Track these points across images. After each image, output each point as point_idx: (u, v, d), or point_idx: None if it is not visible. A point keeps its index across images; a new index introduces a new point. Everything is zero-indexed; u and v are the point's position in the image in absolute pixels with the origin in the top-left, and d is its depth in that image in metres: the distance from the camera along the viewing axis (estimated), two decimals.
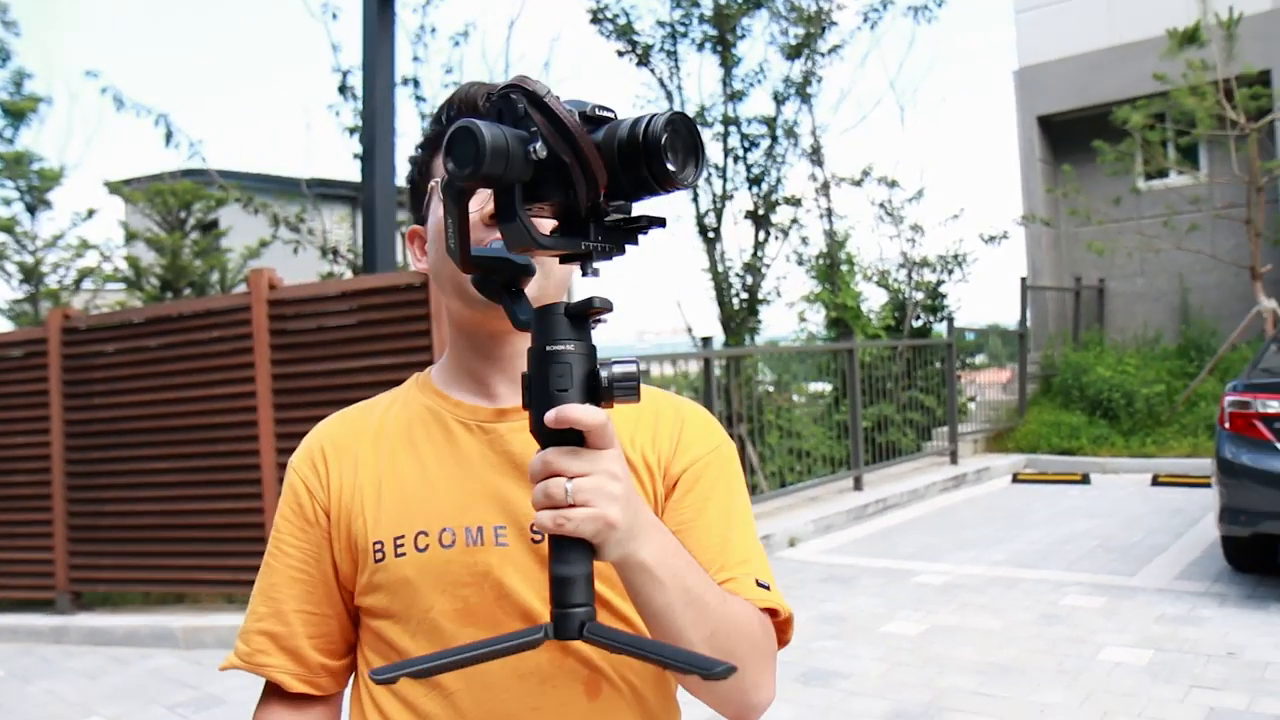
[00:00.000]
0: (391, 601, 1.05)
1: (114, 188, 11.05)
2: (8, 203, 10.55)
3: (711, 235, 11.05)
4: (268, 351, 6.07)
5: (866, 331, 12.29)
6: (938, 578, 6.40)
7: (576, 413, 0.79)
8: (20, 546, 7.02)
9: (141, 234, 10.19)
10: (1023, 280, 13.41)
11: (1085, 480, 10.05)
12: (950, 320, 11.92)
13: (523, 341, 1.01)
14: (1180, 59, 11.10)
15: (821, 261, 12.52)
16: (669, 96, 10.99)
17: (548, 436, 0.80)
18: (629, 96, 11.39)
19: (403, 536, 1.05)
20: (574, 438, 0.80)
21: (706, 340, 8.88)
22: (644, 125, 0.76)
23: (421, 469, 1.08)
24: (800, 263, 12.48)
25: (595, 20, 10.74)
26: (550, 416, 0.79)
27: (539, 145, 0.77)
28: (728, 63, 10.82)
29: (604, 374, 0.81)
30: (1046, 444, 11.44)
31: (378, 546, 1.05)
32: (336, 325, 5.99)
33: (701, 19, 10.77)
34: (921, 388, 11.73)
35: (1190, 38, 11.09)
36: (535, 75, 1.03)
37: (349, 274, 10.05)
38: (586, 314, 0.81)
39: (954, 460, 10.96)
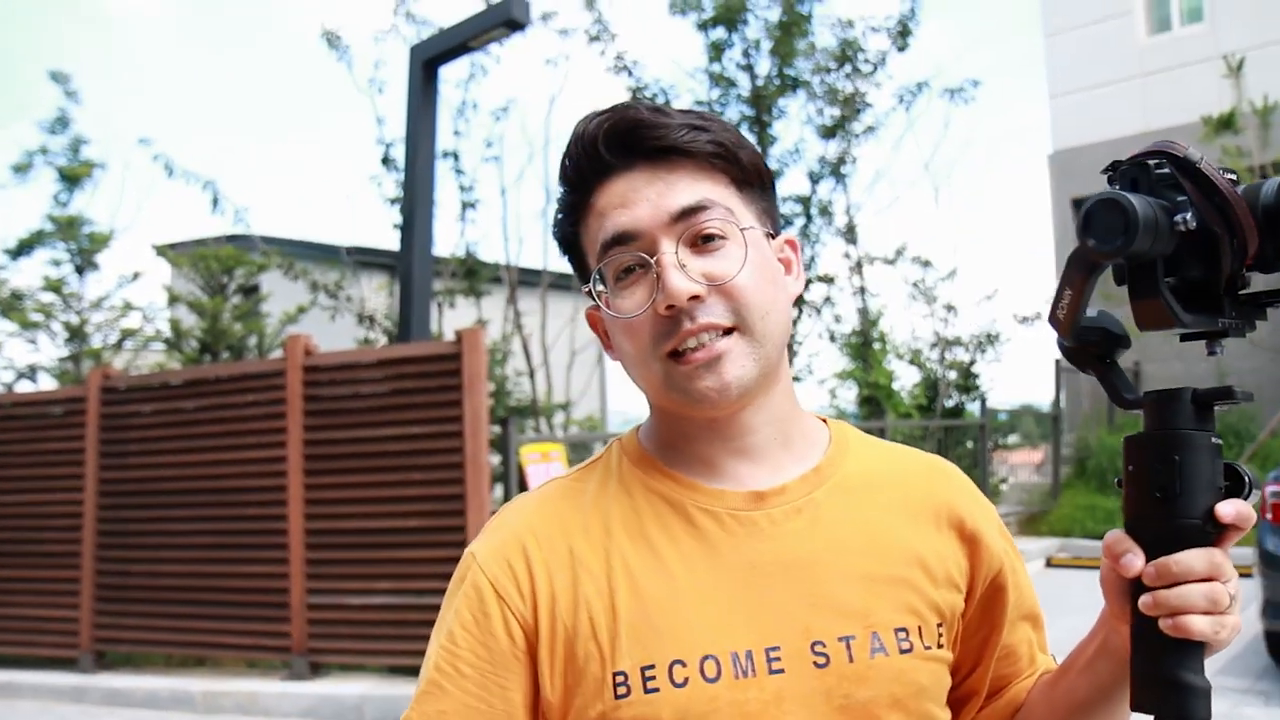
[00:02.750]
0: None
1: (161, 251, 11.34)
2: (58, 264, 10.84)
3: None
4: (301, 417, 6.13)
5: (899, 410, 12.19)
6: None
7: (1250, 510, 0.74)
8: (47, 604, 7.04)
9: (184, 297, 10.42)
10: (1056, 361, 13.28)
11: None
12: (983, 400, 11.79)
13: (753, 418, 0.91)
14: (1215, 145, 11.11)
15: (854, 339, 12.50)
16: None
17: (1193, 533, 0.74)
18: None
19: (653, 666, 0.83)
20: (1210, 538, 0.75)
21: None
22: None
23: (664, 574, 0.87)
24: (833, 340, 12.47)
25: (635, 99, 10.98)
26: (1230, 513, 0.74)
27: (1189, 215, 0.71)
28: (764, 142, 10.97)
29: (1245, 475, 0.76)
30: (1081, 528, 11.19)
31: (620, 679, 0.83)
32: (370, 393, 6.05)
33: (739, 99, 10.97)
34: None
35: (1225, 124, 11.13)
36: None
37: (384, 341, 10.17)
38: (1214, 404, 0.75)
39: None
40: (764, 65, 10.90)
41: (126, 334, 10.94)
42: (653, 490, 0.91)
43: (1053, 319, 0.78)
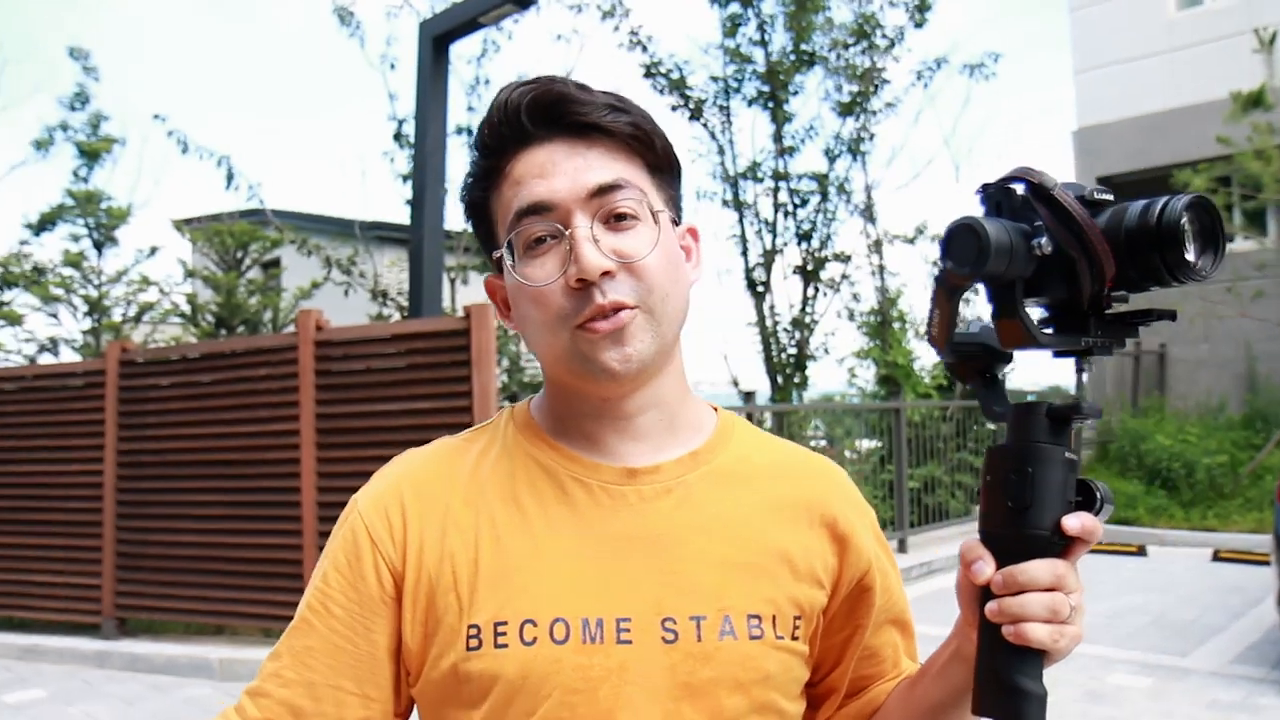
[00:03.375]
0: (480, 699, 0.86)
1: (177, 226, 11.43)
2: (77, 239, 10.96)
3: (760, 289, 11.04)
4: (312, 391, 6.17)
5: (917, 390, 12.12)
6: None
7: (1096, 525, 0.76)
8: (71, 571, 7.17)
9: (200, 272, 10.51)
10: None
11: (1141, 552, 9.72)
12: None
13: (641, 400, 0.92)
14: (1245, 122, 10.90)
15: (873, 318, 12.42)
16: (720, 150, 11.08)
17: (1040, 543, 0.76)
18: (681, 150, 11.54)
19: (505, 623, 0.86)
20: (1057, 549, 0.77)
21: (749, 395, 8.84)
22: (1159, 210, 0.72)
23: (529, 535, 0.89)
24: (851, 319, 12.41)
25: (649, 74, 10.91)
26: (1075, 526, 0.75)
27: (1044, 240, 0.74)
28: (779, 118, 10.89)
29: (1097, 491, 0.78)
30: None
31: (474, 631, 0.86)
32: (380, 368, 6.08)
33: (754, 74, 10.88)
34: (973, 449, 11.50)
35: (1255, 101, 10.89)
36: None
37: (397, 317, 10.23)
38: (1070, 419, 0.77)
39: None
40: (780, 41, 10.82)
41: (144, 308, 11.06)
42: (531, 457, 0.94)
43: (928, 337, 0.81)
